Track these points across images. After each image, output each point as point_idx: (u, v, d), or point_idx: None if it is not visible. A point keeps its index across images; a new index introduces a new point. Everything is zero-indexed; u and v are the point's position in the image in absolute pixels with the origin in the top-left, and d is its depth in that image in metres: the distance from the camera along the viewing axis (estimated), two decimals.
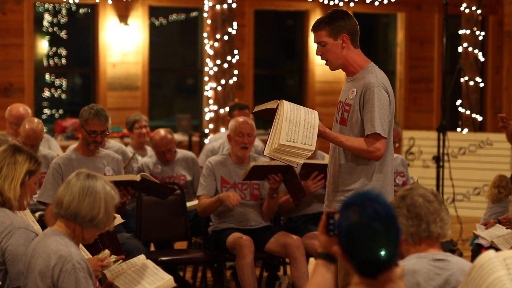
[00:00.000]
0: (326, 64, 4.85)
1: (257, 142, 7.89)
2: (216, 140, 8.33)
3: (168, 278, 4.48)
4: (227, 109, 10.14)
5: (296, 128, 4.55)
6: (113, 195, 3.79)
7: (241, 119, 6.68)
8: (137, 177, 6.07)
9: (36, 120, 6.81)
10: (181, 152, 7.49)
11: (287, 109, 4.58)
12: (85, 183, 3.75)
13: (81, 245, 4.54)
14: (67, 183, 3.78)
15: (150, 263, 4.56)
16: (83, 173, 3.80)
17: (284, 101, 4.65)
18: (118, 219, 5.35)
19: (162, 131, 7.33)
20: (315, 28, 4.79)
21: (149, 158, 7.50)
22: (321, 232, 2.81)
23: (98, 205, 3.73)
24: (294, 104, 4.66)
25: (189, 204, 7.04)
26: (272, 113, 4.64)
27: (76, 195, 3.73)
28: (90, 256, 4.56)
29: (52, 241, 3.75)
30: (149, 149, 8.30)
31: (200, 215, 6.67)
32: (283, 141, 4.50)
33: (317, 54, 4.84)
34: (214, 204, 6.49)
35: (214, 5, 10.28)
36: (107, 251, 4.48)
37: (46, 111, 12.34)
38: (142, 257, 4.60)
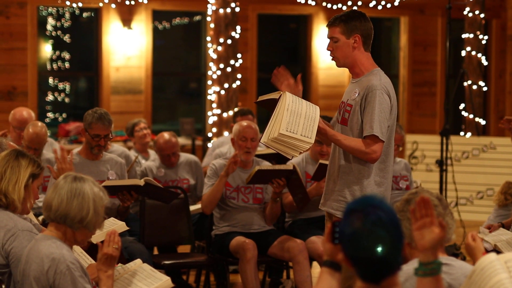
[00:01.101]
0: (332, 60, 4.86)
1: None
2: (222, 143, 8.32)
3: (165, 279, 4.46)
4: (231, 113, 10.15)
5: (296, 119, 4.54)
6: (101, 196, 3.81)
7: (244, 123, 6.67)
8: (141, 182, 6.07)
9: (39, 123, 6.82)
10: (184, 156, 7.48)
11: (289, 100, 4.58)
12: (73, 185, 3.77)
13: (83, 252, 4.55)
14: (55, 187, 3.81)
15: (146, 266, 4.55)
16: (70, 175, 3.82)
17: (287, 92, 4.66)
18: (123, 226, 5.35)
19: (166, 135, 7.31)
20: (330, 24, 4.82)
21: (152, 161, 7.49)
22: (327, 240, 2.81)
23: (87, 206, 3.75)
24: (297, 97, 4.67)
25: (192, 207, 7.03)
26: (275, 104, 4.64)
27: (64, 197, 3.75)
28: (93, 261, 4.55)
29: (44, 245, 3.76)
30: (152, 153, 8.29)
31: (205, 209, 6.59)
32: (283, 131, 4.49)
33: (327, 49, 4.85)
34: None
35: (217, 9, 10.28)
36: None
37: (50, 114, 12.35)
38: (138, 261, 4.59)
